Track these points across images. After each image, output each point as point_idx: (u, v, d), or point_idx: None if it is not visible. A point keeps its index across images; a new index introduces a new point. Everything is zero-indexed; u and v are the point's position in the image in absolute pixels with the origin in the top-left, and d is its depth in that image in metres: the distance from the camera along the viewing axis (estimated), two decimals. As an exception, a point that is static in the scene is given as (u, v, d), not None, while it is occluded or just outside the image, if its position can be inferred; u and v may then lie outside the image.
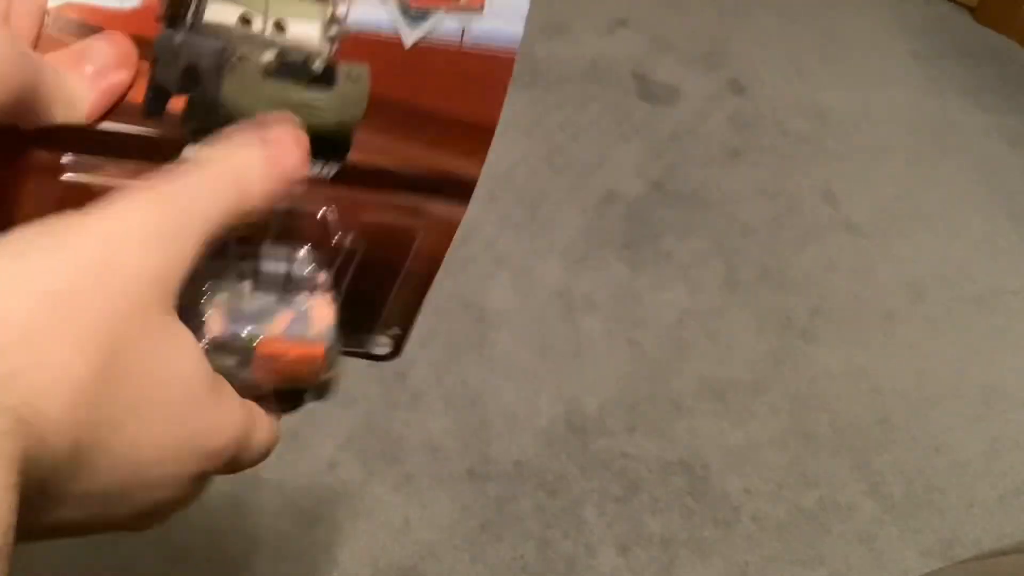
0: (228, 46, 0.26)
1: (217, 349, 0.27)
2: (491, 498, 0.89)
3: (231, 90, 0.27)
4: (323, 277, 0.30)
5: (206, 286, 0.27)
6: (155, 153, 0.27)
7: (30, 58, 0.23)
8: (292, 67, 0.27)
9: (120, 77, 0.26)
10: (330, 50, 0.27)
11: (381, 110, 0.28)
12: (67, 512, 0.24)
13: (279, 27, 0.27)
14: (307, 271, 0.30)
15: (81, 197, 0.24)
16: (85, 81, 0.25)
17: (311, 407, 0.34)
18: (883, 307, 1.10)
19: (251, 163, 0.26)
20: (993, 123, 1.34)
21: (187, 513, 0.88)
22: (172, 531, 0.84)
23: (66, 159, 0.27)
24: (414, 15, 0.28)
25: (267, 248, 0.29)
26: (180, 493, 0.26)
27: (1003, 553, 0.70)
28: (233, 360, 0.27)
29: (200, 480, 0.27)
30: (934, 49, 1.44)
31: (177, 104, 0.27)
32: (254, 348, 0.28)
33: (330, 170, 0.29)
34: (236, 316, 0.28)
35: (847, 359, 1.04)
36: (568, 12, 1.40)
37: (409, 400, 0.95)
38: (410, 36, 0.28)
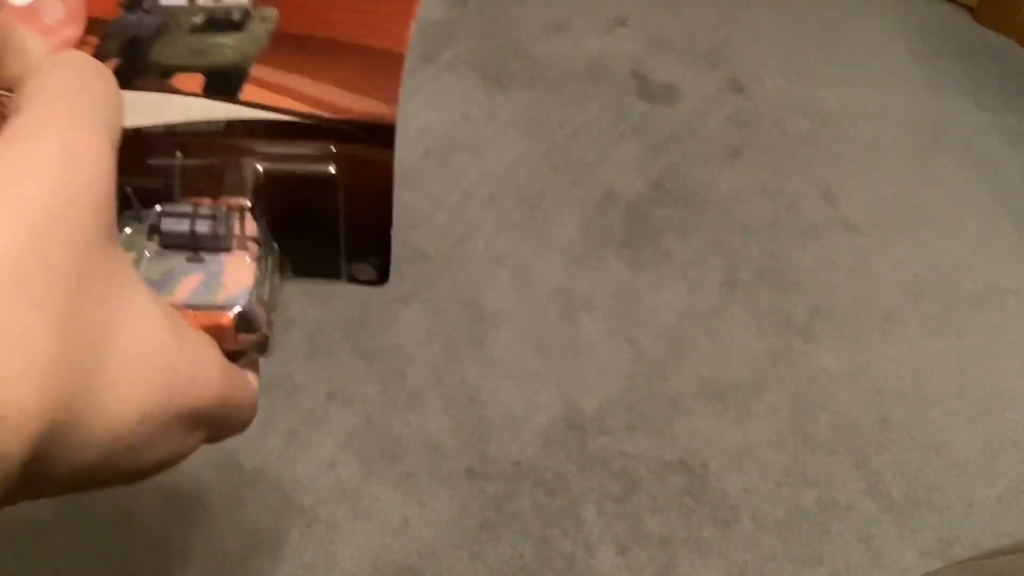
0: (171, 20, 0.28)
1: None
2: (490, 497, 0.89)
3: (158, 50, 0.28)
4: (238, 232, 0.28)
5: None
6: None
7: None
8: (215, 22, 0.29)
9: (71, 32, 0.26)
10: (250, 1, 0.29)
11: (286, 45, 0.29)
12: (49, 487, 0.22)
13: None
14: (213, 227, 0.27)
15: None
16: (38, 35, 0.25)
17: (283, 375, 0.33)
18: (882, 306, 1.10)
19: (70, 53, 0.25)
20: (993, 123, 1.34)
21: (186, 512, 0.88)
22: (171, 531, 0.84)
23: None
24: None
25: (169, 205, 0.27)
26: (168, 453, 0.24)
27: (1002, 553, 0.70)
28: None
29: (188, 436, 0.25)
30: (934, 49, 1.44)
31: (111, 66, 0.27)
32: None
33: (226, 112, 0.27)
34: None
35: (846, 358, 1.04)
36: (567, 11, 1.40)
37: (408, 399, 0.95)
38: None
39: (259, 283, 0.28)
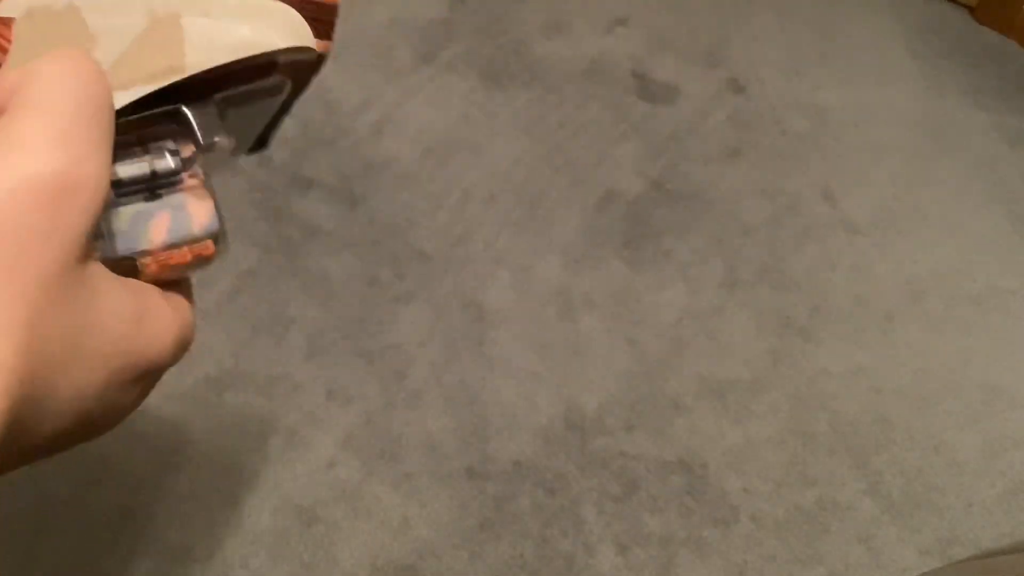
0: None
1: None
2: (490, 497, 0.89)
3: None
4: (187, 158, 0.28)
5: None
6: None
7: None
8: None
9: None
10: None
11: None
12: (30, 452, 0.24)
13: None
14: (171, 161, 0.28)
15: None
16: None
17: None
18: (882, 306, 1.10)
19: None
20: (992, 122, 1.34)
21: (186, 512, 0.88)
22: (170, 530, 0.84)
23: None
24: None
25: (119, 153, 0.27)
26: (129, 405, 0.26)
27: (1002, 552, 0.70)
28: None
29: (143, 391, 0.27)
30: (933, 48, 1.44)
31: None
32: (145, 266, 0.27)
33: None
34: (110, 234, 0.26)
35: (846, 358, 1.04)
36: (567, 11, 1.40)
37: (408, 399, 0.95)
38: None
39: (217, 200, 0.28)
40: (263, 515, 0.86)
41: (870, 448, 0.97)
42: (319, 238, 1.07)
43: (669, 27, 1.40)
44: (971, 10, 1.53)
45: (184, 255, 0.27)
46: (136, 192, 0.27)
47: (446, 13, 1.36)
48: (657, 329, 1.04)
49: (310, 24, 0.29)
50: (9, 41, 0.26)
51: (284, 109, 0.33)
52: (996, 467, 0.97)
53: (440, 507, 0.88)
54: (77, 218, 0.22)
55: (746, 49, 1.39)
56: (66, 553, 0.81)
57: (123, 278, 0.25)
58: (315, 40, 0.30)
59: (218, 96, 0.29)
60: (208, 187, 0.29)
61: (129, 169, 0.27)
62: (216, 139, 0.29)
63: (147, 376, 0.26)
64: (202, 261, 0.28)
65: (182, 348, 0.28)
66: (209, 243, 0.28)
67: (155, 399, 0.95)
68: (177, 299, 0.28)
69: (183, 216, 0.28)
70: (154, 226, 0.27)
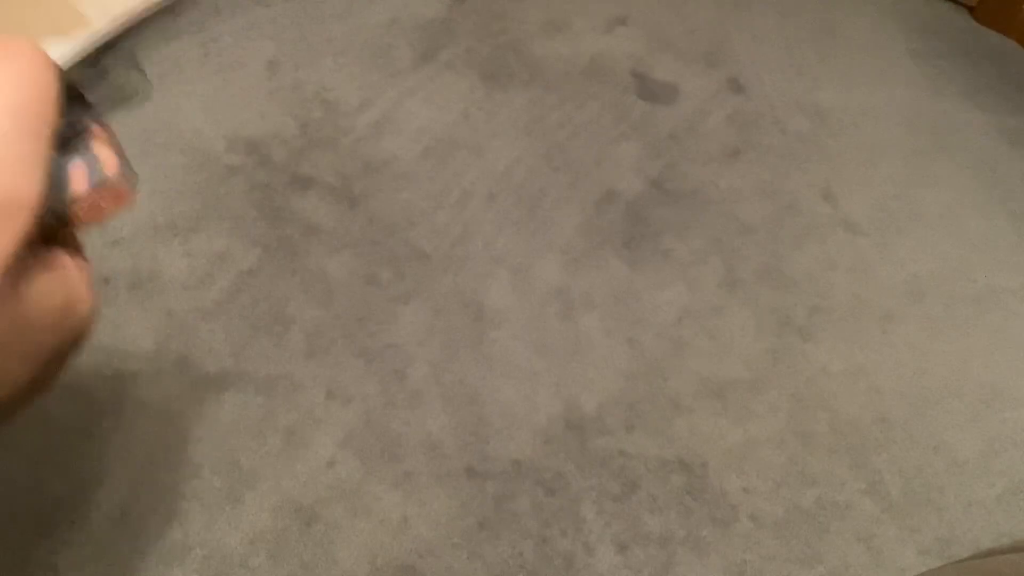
0: None
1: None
2: (489, 496, 0.89)
3: None
4: (93, 108, 0.29)
5: None
6: None
7: None
8: None
9: None
10: None
11: None
12: None
13: None
14: (76, 116, 0.28)
15: None
16: None
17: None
18: (882, 306, 1.10)
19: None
20: (992, 122, 1.34)
21: (185, 511, 0.88)
22: (169, 530, 0.84)
23: None
24: None
25: None
26: (37, 376, 0.26)
27: (1001, 552, 0.70)
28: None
29: (53, 359, 0.27)
30: (933, 48, 1.44)
31: None
32: (76, 214, 0.27)
33: None
34: None
35: (846, 358, 1.04)
36: (567, 10, 1.40)
37: (407, 398, 0.95)
38: None
39: (119, 146, 0.29)
40: (262, 514, 0.86)
41: (870, 448, 0.97)
42: (318, 237, 1.07)
43: (669, 26, 1.40)
44: (971, 10, 1.53)
45: (107, 197, 0.28)
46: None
47: (445, 13, 1.36)
48: (657, 329, 1.04)
49: None
50: None
51: None
52: (996, 467, 0.97)
53: (439, 506, 0.88)
54: (9, 239, 0.22)
55: (746, 49, 1.39)
56: (65, 553, 0.81)
57: (43, 268, 0.25)
58: None
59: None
60: (108, 132, 0.29)
61: None
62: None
63: (63, 349, 0.26)
64: (122, 202, 0.29)
65: (71, 313, 0.27)
66: (124, 186, 0.28)
67: (155, 398, 0.95)
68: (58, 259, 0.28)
69: (95, 162, 0.28)
70: (74, 176, 0.27)
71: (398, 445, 0.92)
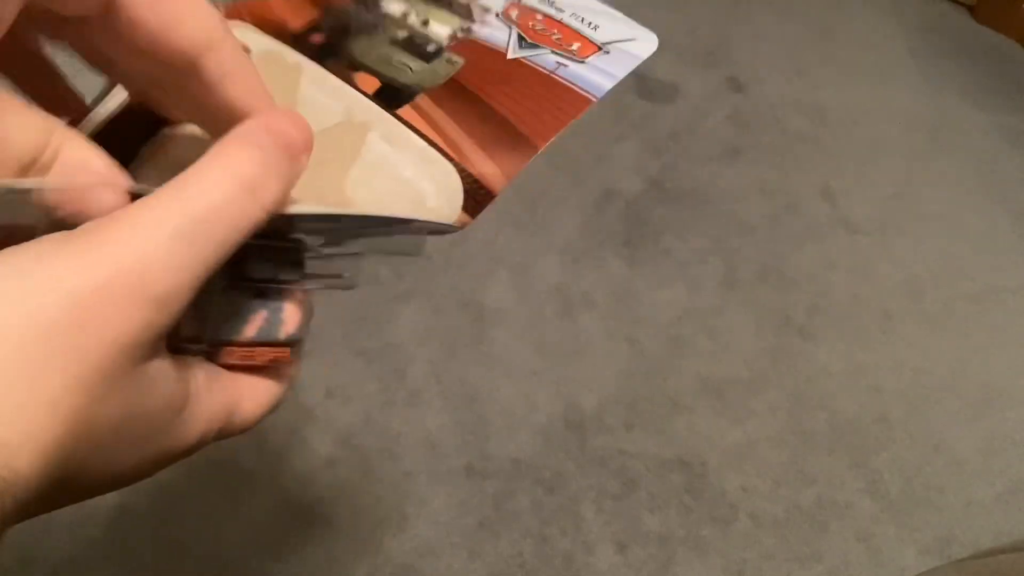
0: (380, 25, 0.34)
1: (180, 348, 0.26)
2: (489, 495, 0.89)
3: (358, 45, 0.33)
4: (308, 273, 0.30)
5: None
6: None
7: None
8: (413, 44, 0.33)
9: None
10: (447, 43, 0.33)
11: (456, 93, 0.32)
12: (29, 515, 0.24)
13: (424, 23, 0.34)
14: (294, 274, 0.29)
15: None
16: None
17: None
18: (881, 305, 1.10)
19: (265, 162, 0.25)
20: (991, 122, 1.34)
21: (184, 510, 0.88)
22: (170, 528, 0.84)
23: None
24: (526, 42, 0.34)
25: (253, 249, 0.27)
26: (149, 473, 0.27)
27: (1001, 551, 0.70)
28: (197, 357, 0.27)
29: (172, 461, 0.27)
30: (933, 48, 1.44)
31: (315, 39, 0.33)
32: (224, 355, 0.27)
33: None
34: (205, 316, 0.27)
35: (845, 357, 1.04)
36: (567, 10, 1.40)
37: (407, 397, 0.95)
38: (514, 52, 0.34)
39: (309, 313, 0.30)
40: (262, 513, 0.86)
41: (869, 447, 0.97)
42: (318, 236, 1.07)
43: (669, 26, 1.40)
44: (971, 10, 1.53)
45: (265, 355, 0.28)
46: (248, 288, 0.28)
47: (446, 12, 1.36)
48: (656, 328, 1.04)
49: (465, 195, 0.31)
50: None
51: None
52: (995, 466, 0.97)
53: (439, 505, 0.88)
54: (157, 322, 0.22)
55: (746, 48, 1.39)
56: (65, 552, 0.81)
57: (180, 367, 0.25)
58: (460, 211, 0.31)
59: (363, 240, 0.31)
60: (307, 299, 0.30)
61: (258, 270, 0.28)
62: (344, 274, 0.31)
63: (181, 455, 0.27)
64: (277, 365, 0.29)
65: (211, 434, 0.28)
66: (287, 350, 0.29)
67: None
68: (233, 388, 0.28)
69: (277, 320, 0.29)
70: (249, 322, 0.28)
71: (398, 444, 0.92)
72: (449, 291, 1.04)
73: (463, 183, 0.31)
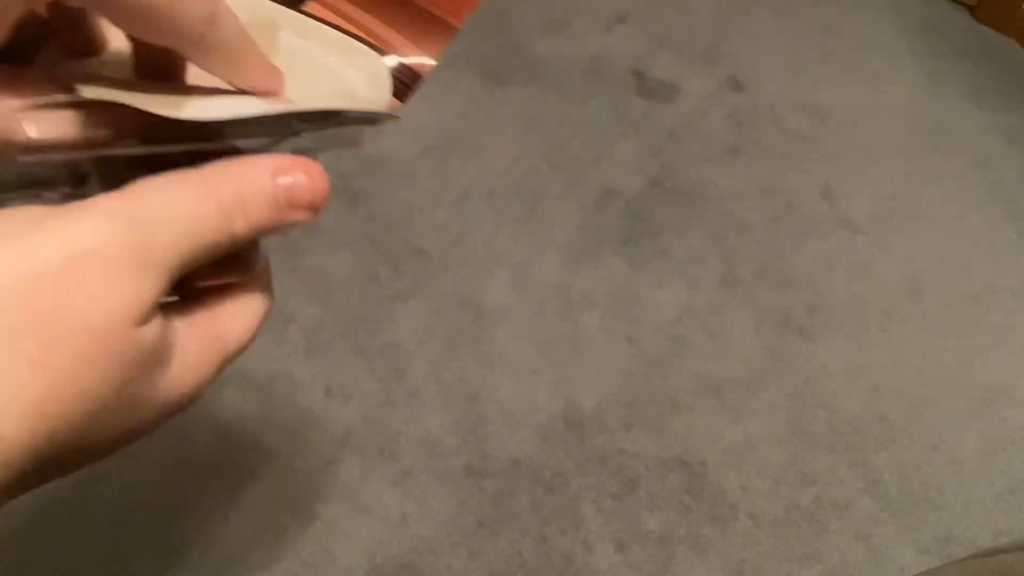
0: None
1: None
2: (489, 494, 0.89)
3: None
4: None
5: None
6: None
7: None
8: None
9: None
10: None
11: None
12: (38, 484, 0.24)
13: None
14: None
15: None
16: None
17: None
18: (881, 305, 1.10)
19: (258, 191, 0.25)
20: (992, 122, 1.34)
21: (184, 509, 0.88)
22: (169, 527, 0.84)
23: None
24: None
25: (188, 157, 0.28)
26: (153, 428, 0.27)
27: (1000, 551, 0.70)
28: None
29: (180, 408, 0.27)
30: (933, 48, 1.44)
31: None
32: (186, 283, 0.27)
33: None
34: None
35: (845, 357, 1.04)
36: (567, 9, 1.40)
37: (407, 396, 0.95)
38: None
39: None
40: (262, 512, 0.86)
41: (869, 446, 0.97)
42: (318, 235, 1.07)
43: (669, 25, 1.40)
44: (971, 9, 1.53)
45: (229, 267, 0.28)
46: None
47: (445, 10, 1.36)
48: (656, 327, 1.04)
49: (394, 81, 0.31)
50: None
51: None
52: (995, 466, 0.97)
53: (439, 505, 0.88)
54: (146, 291, 0.22)
55: (746, 47, 1.39)
56: (65, 552, 0.81)
57: (162, 322, 0.25)
58: (390, 98, 0.31)
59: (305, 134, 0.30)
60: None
61: None
62: None
63: (177, 406, 0.27)
64: (246, 270, 0.29)
65: (210, 373, 0.28)
66: (250, 253, 0.29)
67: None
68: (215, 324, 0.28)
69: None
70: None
71: (397, 443, 0.92)
72: (449, 290, 1.04)
73: (390, 70, 0.31)
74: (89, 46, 0.29)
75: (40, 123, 0.26)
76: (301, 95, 0.29)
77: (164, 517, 0.84)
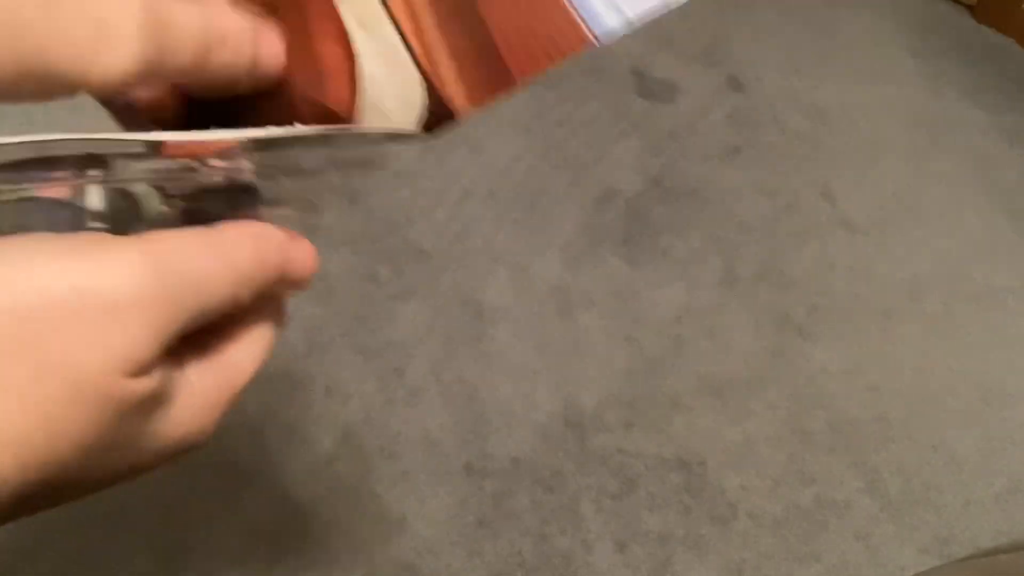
0: None
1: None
2: (488, 494, 0.89)
3: None
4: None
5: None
6: None
7: None
8: None
9: None
10: None
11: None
12: (28, 512, 0.24)
13: None
14: (251, 206, 0.28)
15: None
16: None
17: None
18: (881, 305, 1.10)
19: (253, 276, 0.25)
20: (991, 121, 1.34)
21: (183, 508, 0.88)
22: (168, 526, 0.84)
23: None
24: None
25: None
26: (152, 467, 0.26)
27: (1000, 551, 0.70)
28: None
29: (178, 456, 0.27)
30: (933, 47, 1.44)
31: None
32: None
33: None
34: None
35: (845, 357, 1.04)
36: (567, 8, 1.40)
37: (406, 396, 0.95)
38: None
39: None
40: (261, 512, 0.86)
41: (868, 446, 0.97)
42: (317, 234, 1.06)
43: (669, 25, 1.40)
44: (971, 9, 1.53)
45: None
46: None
47: (445, 10, 1.36)
48: (656, 327, 1.04)
49: (427, 113, 0.29)
50: None
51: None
52: (994, 466, 0.97)
53: (438, 504, 0.88)
54: (146, 340, 0.22)
55: (746, 47, 1.39)
56: (64, 552, 0.81)
57: (168, 363, 0.25)
58: (416, 127, 0.29)
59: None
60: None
61: (213, 206, 0.27)
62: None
63: (180, 446, 0.26)
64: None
65: (218, 412, 0.27)
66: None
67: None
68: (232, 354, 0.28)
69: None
70: None
71: (397, 443, 0.92)
72: (448, 289, 1.04)
73: (427, 100, 0.28)
74: None
75: None
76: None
77: (164, 517, 0.84)
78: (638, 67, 1.33)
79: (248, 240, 0.25)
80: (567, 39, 0.28)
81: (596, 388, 0.98)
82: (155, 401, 0.23)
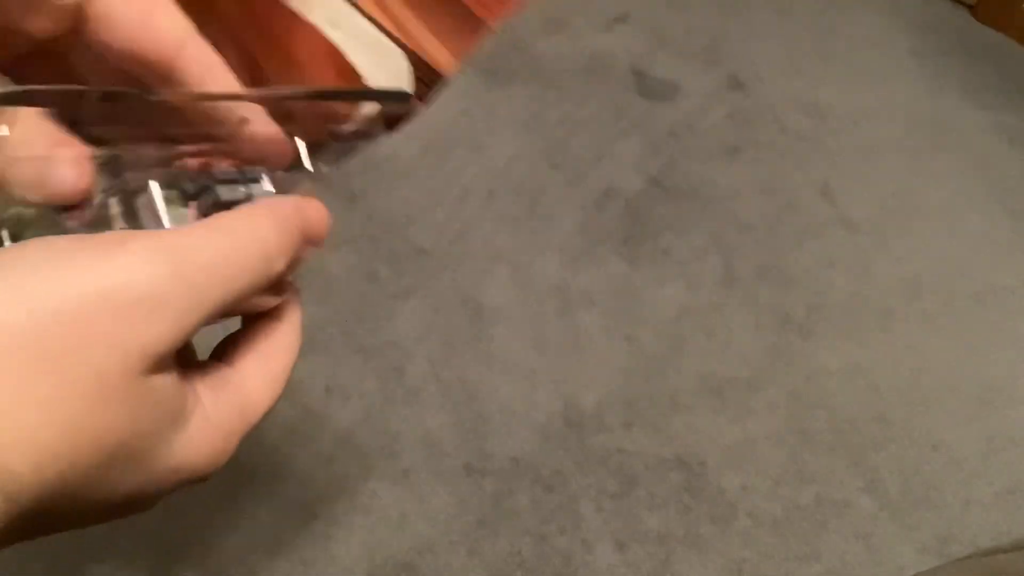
0: None
1: None
2: (488, 493, 0.89)
3: None
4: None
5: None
6: None
7: None
8: None
9: None
10: None
11: None
12: (43, 534, 0.24)
13: None
14: (268, 186, 0.28)
15: None
16: None
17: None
18: (881, 304, 1.10)
19: (283, 241, 0.25)
20: (992, 121, 1.34)
21: (182, 508, 0.88)
22: (167, 526, 0.84)
23: None
24: None
25: (220, 172, 0.27)
26: (163, 494, 0.26)
27: (1000, 551, 0.70)
28: None
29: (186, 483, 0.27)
30: (933, 47, 1.44)
31: None
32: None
33: None
34: (152, 224, 0.26)
35: (845, 356, 1.04)
36: (567, 8, 1.40)
37: (406, 395, 0.95)
38: None
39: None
40: (261, 511, 0.86)
41: (868, 446, 0.97)
42: (317, 234, 1.07)
43: (669, 24, 1.40)
44: (971, 9, 1.53)
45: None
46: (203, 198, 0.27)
47: (445, 9, 1.36)
48: (656, 326, 1.04)
49: (416, 82, 0.30)
50: None
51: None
52: (995, 465, 0.97)
53: (438, 504, 0.88)
54: (166, 339, 0.22)
55: (746, 46, 1.39)
56: (63, 552, 0.81)
57: (183, 381, 0.25)
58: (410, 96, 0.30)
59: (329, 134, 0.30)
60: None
61: (228, 192, 0.27)
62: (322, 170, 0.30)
63: (192, 474, 0.26)
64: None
65: (232, 440, 0.27)
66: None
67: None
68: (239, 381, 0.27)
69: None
70: None
71: (396, 442, 0.92)
72: (448, 289, 1.04)
73: (414, 69, 0.30)
74: None
75: None
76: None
77: (160, 517, 0.84)
78: (638, 66, 1.33)
79: (265, 211, 0.25)
80: None
81: (596, 387, 0.98)
82: (171, 411, 0.23)
